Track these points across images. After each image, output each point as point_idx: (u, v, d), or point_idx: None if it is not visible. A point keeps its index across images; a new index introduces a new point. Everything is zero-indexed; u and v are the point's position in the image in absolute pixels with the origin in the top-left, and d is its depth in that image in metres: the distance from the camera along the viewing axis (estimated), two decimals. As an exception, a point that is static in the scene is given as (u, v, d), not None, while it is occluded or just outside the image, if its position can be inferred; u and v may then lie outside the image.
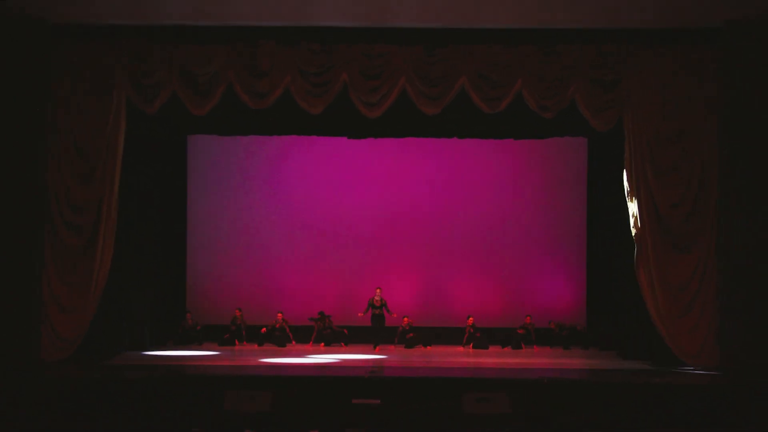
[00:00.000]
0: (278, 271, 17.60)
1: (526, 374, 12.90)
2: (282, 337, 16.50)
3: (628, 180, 13.98)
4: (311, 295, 17.18)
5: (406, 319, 16.63)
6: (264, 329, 16.62)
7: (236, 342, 16.60)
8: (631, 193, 13.93)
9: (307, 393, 11.66)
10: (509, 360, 14.89)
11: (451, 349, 16.38)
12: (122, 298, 14.85)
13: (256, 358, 14.86)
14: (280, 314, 16.68)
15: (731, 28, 13.40)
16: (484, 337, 16.43)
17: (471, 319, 16.56)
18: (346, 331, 16.76)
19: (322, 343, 16.59)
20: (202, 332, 16.78)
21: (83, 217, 13.88)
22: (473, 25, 13.68)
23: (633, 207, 13.94)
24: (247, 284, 17.45)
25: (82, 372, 12.56)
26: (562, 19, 13.46)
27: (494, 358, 15.14)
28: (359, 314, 16.29)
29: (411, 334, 16.52)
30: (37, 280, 13.64)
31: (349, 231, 17.70)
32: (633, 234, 13.96)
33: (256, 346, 16.55)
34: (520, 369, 13.76)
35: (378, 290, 16.52)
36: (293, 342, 16.57)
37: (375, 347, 16.20)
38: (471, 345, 16.38)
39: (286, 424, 11.12)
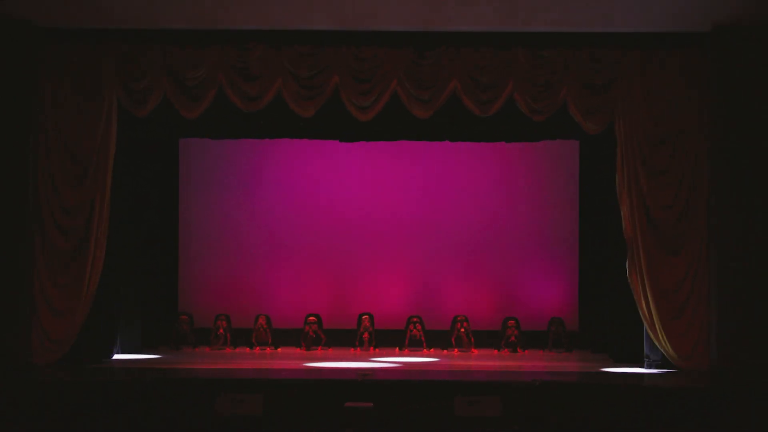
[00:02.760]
0: (270, 273, 17.57)
1: (519, 377, 12.91)
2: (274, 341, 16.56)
3: (619, 182, 14.01)
4: (303, 297, 17.14)
5: (417, 324, 16.59)
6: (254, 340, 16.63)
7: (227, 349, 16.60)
8: (623, 195, 13.95)
9: (299, 396, 11.65)
10: (501, 363, 14.91)
11: (442, 351, 16.40)
12: (114, 301, 14.78)
13: (249, 362, 14.85)
14: (263, 318, 16.65)
15: (722, 32, 13.46)
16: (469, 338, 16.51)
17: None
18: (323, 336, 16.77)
19: (304, 345, 16.58)
20: (193, 335, 16.75)
21: (74, 219, 13.86)
22: (462, 27, 13.72)
23: (625, 209, 13.96)
24: (240, 287, 17.40)
25: (73, 375, 12.51)
26: (552, 22, 13.50)
27: (486, 361, 15.16)
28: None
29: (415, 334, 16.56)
30: (28, 282, 13.62)
31: (341, 233, 17.69)
32: (625, 236, 13.99)
33: (248, 349, 16.55)
34: (512, 371, 13.80)
35: (366, 317, 16.50)
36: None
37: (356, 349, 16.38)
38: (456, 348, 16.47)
39: (277, 427, 11.11)
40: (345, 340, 16.84)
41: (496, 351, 16.44)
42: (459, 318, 16.58)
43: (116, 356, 14.72)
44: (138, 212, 15.93)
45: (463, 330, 16.41)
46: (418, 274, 17.63)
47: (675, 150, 13.89)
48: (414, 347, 16.39)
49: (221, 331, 16.48)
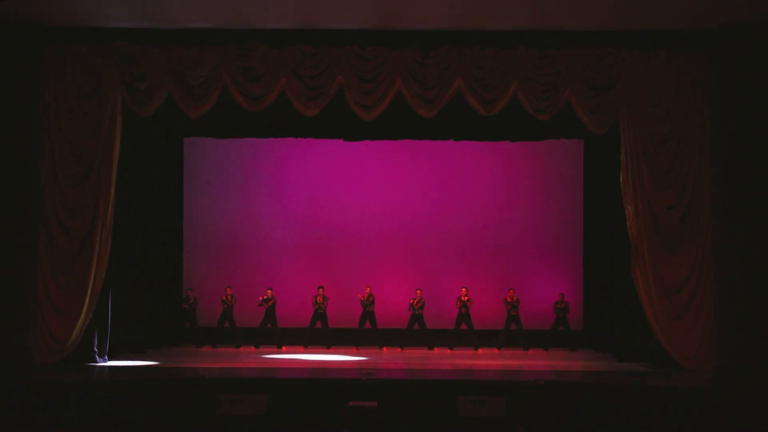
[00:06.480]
0: (274, 273, 17.58)
1: (523, 376, 12.91)
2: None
3: (624, 182, 14.00)
4: (307, 296, 17.13)
5: (419, 291, 16.83)
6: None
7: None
8: (627, 195, 13.95)
9: (302, 396, 11.65)
10: (505, 362, 14.91)
11: (446, 351, 16.42)
12: (118, 300, 14.79)
13: (252, 361, 14.87)
14: (269, 290, 16.91)
15: (725, 32, 13.45)
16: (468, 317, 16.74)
17: (464, 290, 16.80)
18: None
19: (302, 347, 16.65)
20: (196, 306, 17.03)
21: (78, 219, 13.88)
22: (467, 27, 13.71)
23: (629, 208, 13.96)
24: (243, 286, 17.40)
25: (77, 375, 12.53)
26: (557, 22, 13.48)
27: (490, 360, 15.16)
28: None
29: (418, 312, 16.75)
30: (32, 281, 13.63)
31: (345, 232, 17.72)
32: (629, 235, 13.97)
33: (252, 348, 16.59)
34: (516, 371, 13.79)
35: (368, 288, 16.71)
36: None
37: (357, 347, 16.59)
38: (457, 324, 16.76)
39: (281, 427, 11.11)
40: (348, 339, 16.87)
41: (497, 350, 16.49)
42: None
43: (120, 356, 14.72)
44: (142, 212, 15.94)
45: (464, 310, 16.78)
46: (422, 273, 17.63)
47: (678, 149, 13.88)
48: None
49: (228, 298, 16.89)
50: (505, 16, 13.35)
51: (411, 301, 16.81)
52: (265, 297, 16.80)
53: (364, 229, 17.74)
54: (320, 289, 16.81)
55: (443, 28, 13.81)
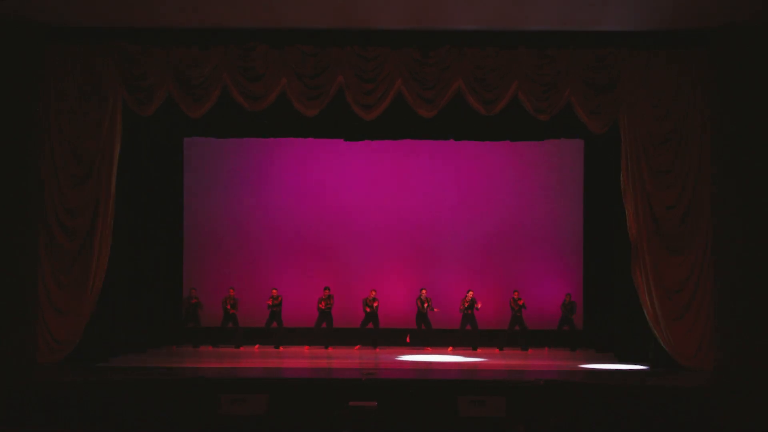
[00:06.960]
0: (275, 273, 17.58)
1: (523, 376, 12.91)
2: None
3: (624, 181, 14.00)
4: (307, 296, 17.15)
5: (424, 291, 16.80)
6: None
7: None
8: (628, 195, 13.96)
9: (302, 396, 11.65)
10: (505, 362, 14.91)
11: (446, 349, 16.42)
12: (119, 300, 14.80)
13: (253, 361, 14.86)
14: (274, 290, 16.93)
15: (725, 32, 13.46)
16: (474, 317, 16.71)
17: (470, 293, 16.73)
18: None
19: (306, 346, 16.66)
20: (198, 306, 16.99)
21: (79, 219, 13.88)
22: (467, 27, 13.71)
23: (629, 208, 13.96)
24: (244, 286, 17.41)
25: (78, 374, 12.53)
26: (557, 22, 13.48)
27: (490, 360, 15.15)
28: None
29: (426, 305, 16.75)
30: (33, 281, 13.64)
31: (346, 233, 17.71)
32: (630, 235, 13.97)
33: (256, 347, 16.59)
34: (516, 371, 13.79)
35: (373, 292, 16.72)
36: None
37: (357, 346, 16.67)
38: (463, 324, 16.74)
39: (281, 427, 11.12)
40: (349, 339, 16.88)
41: (497, 350, 16.48)
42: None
43: (121, 356, 14.73)
44: (142, 212, 15.93)
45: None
46: (423, 273, 17.62)
47: (678, 149, 13.88)
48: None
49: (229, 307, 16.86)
50: (505, 16, 13.36)
51: (420, 302, 16.73)
52: (272, 297, 16.78)
53: (363, 228, 17.73)
54: (326, 290, 16.81)
55: (443, 28, 13.81)
